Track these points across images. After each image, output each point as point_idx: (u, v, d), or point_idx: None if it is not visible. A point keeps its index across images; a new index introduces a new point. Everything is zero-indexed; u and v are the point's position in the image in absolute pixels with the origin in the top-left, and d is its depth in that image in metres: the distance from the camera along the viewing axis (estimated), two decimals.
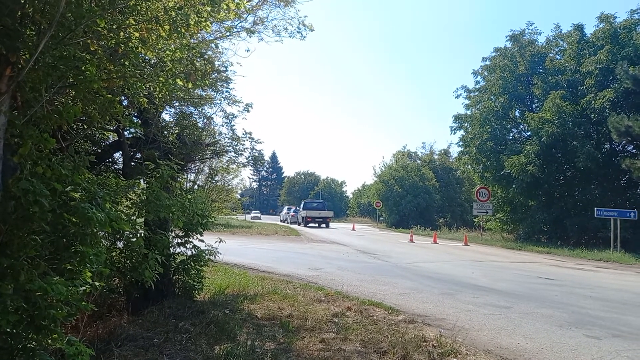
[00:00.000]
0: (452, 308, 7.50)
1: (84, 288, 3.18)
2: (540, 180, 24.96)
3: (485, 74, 30.44)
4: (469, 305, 7.79)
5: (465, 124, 30.73)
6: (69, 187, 3.08)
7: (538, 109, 27.18)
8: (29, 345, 3.04)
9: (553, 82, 25.96)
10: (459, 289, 9.39)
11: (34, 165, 2.94)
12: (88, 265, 3.22)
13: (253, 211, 64.78)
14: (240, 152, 8.32)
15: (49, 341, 3.14)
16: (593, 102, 23.22)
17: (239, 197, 47.07)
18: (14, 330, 2.92)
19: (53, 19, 2.80)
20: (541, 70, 27.73)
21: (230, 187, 35.07)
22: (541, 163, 24.49)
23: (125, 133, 6.59)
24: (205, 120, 8.23)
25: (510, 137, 29.69)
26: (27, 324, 2.94)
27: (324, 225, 38.57)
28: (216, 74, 6.79)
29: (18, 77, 2.82)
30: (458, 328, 6.07)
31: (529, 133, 27.20)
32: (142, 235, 5.46)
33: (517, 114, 30.06)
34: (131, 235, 5.22)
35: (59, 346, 3.15)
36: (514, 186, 26.49)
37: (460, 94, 31.92)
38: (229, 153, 8.46)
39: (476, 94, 30.89)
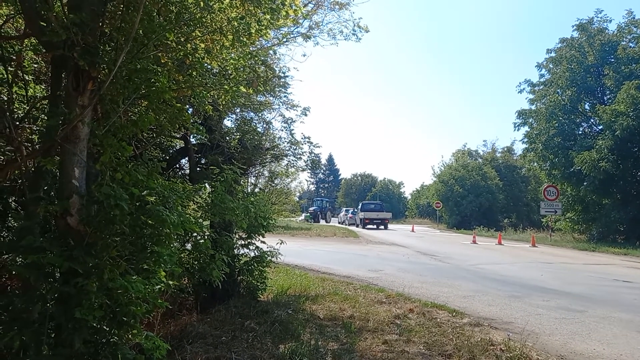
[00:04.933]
0: (521, 311, 7.20)
1: (159, 286, 3.39)
2: (615, 177, 23.33)
3: (551, 66, 28.87)
4: (538, 308, 7.44)
5: (530, 120, 29.34)
6: (145, 191, 3.29)
7: (610, 101, 25.43)
8: (111, 339, 3.28)
9: (627, 71, 24.17)
10: (527, 291, 8.99)
11: (113, 171, 3.17)
12: (162, 265, 3.43)
13: (304, 214, 54.85)
14: (299, 156, 8.50)
15: (129, 336, 3.37)
16: None
17: (297, 199, 47.57)
18: (99, 325, 3.16)
19: (129, 35, 3.01)
20: (613, 60, 25.90)
21: (289, 190, 35.60)
22: (615, 158, 22.90)
23: (192, 140, 6.92)
24: (264, 125, 8.47)
25: (580, 132, 28.01)
26: (110, 319, 3.18)
27: (382, 227, 38.19)
28: (276, 80, 6.97)
29: (99, 90, 3.06)
30: (527, 332, 5.81)
31: (600, 127, 25.52)
32: (209, 236, 5.70)
33: (586, 107, 28.29)
34: (199, 237, 5.47)
35: (138, 341, 3.38)
36: (585, 184, 24.97)
37: (524, 89, 30.49)
38: (288, 157, 8.66)
39: (541, 87, 29.38)
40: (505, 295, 8.57)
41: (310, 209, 54.92)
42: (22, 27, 3.95)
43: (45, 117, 3.68)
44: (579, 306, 7.66)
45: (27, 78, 4.14)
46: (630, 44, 25.93)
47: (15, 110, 4.39)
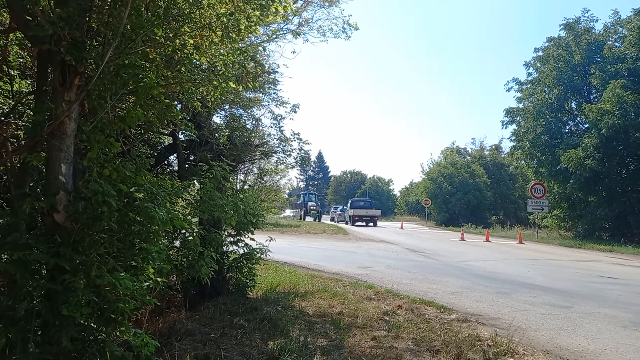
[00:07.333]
0: (508, 307, 7.29)
1: (147, 283, 3.38)
2: (600, 175, 23.67)
3: (538, 65, 29.15)
4: (525, 304, 7.54)
5: (518, 118, 29.65)
6: (133, 188, 3.27)
7: (596, 99, 25.76)
8: (99, 337, 3.26)
9: (612, 71, 24.50)
10: (514, 288, 9.10)
11: (101, 167, 3.15)
12: (151, 261, 3.41)
13: (302, 210, 49.55)
14: (288, 153, 8.46)
15: (117, 333, 3.35)
16: None
17: (287, 196, 47.28)
18: (86, 323, 3.14)
19: (117, 30, 2.98)
20: (599, 59, 26.22)
21: (278, 187, 35.48)
22: (601, 157, 23.21)
23: (180, 136, 6.87)
24: (254, 122, 8.43)
25: (567, 130, 28.35)
26: (98, 316, 3.16)
27: (371, 224, 38.32)
28: (265, 76, 6.95)
29: (87, 86, 3.03)
30: (514, 327, 5.89)
31: (586, 125, 25.82)
32: (198, 233, 5.68)
33: (573, 105, 28.65)
34: (188, 234, 5.44)
35: (126, 338, 3.36)
36: (571, 181, 25.27)
37: (512, 87, 30.76)
38: (278, 154, 8.62)
39: (528, 86, 29.67)
40: (492, 291, 8.66)
41: (310, 203, 49.36)
42: (7, 22, 3.89)
43: (31, 113, 3.64)
44: (564, 302, 7.78)
45: (12, 73, 4.08)
46: (616, 44, 26.25)
47: (0, 105, 4.33)
